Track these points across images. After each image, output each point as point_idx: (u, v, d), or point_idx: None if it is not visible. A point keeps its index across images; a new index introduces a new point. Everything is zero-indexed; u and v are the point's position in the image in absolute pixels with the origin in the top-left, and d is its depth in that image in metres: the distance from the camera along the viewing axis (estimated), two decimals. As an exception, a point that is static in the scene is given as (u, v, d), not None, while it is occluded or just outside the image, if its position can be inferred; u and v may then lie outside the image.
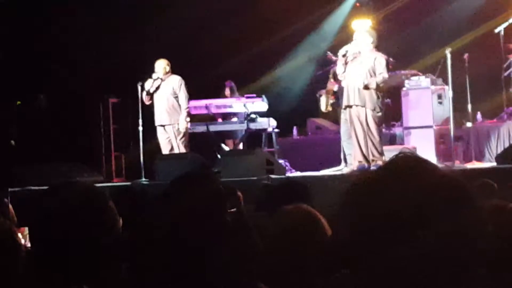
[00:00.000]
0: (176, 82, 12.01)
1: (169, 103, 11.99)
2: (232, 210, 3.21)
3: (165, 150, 12.04)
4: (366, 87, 10.61)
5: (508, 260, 2.73)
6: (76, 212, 2.33)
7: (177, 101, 12.01)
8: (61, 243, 2.30)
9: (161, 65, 12.04)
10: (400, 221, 1.52)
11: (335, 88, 12.53)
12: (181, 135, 11.96)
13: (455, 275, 1.53)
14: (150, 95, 12.04)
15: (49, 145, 13.78)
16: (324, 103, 13.30)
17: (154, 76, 11.99)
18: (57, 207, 2.33)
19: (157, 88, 12.04)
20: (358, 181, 1.63)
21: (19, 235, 2.57)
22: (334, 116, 13.43)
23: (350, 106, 10.80)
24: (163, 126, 12.02)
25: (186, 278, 2.34)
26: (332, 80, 12.94)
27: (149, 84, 12.00)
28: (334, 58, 11.78)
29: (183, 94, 11.99)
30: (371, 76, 10.66)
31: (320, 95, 13.42)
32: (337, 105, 12.57)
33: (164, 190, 2.57)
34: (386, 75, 10.77)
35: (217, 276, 2.34)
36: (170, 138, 12.01)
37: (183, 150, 11.92)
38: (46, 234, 2.33)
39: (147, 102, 12.11)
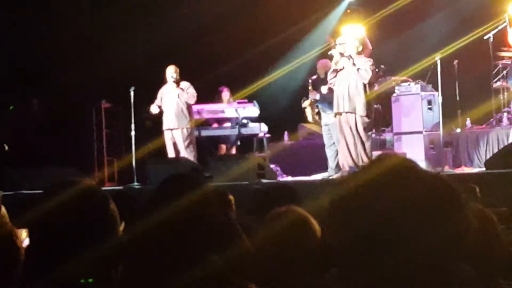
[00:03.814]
0: (185, 88, 12.27)
1: (178, 107, 12.20)
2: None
3: (171, 154, 12.24)
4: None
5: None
6: (78, 212, 2.30)
7: (186, 106, 12.24)
8: (62, 243, 2.27)
9: (171, 72, 12.30)
10: (390, 221, 1.53)
11: (317, 97, 12.61)
12: (188, 139, 12.13)
13: (443, 274, 1.54)
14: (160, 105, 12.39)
15: (41, 150, 13.80)
16: (310, 114, 13.49)
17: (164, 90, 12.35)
18: (59, 206, 2.29)
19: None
20: (347, 184, 1.62)
21: (22, 235, 2.55)
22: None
23: (339, 113, 10.89)
24: (171, 130, 12.20)
25: (177, 279, 2.28)
26: (312, 90, 13.07)
27: (158, 101, 12.38)
28: (332, 42, 11.79)
29: (193, 94, 12.26)
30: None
31: (305, 107, 13.58)
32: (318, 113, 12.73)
33: (153, 192, 2.52)
34: (370, 72, 10.76)
35: (207, 276, 2.31)
36: (177, 142, 12.17)
37: (189, 154, 12.05)
38: (47, 235, 2.29)
39: (157, 111, 12.40)
